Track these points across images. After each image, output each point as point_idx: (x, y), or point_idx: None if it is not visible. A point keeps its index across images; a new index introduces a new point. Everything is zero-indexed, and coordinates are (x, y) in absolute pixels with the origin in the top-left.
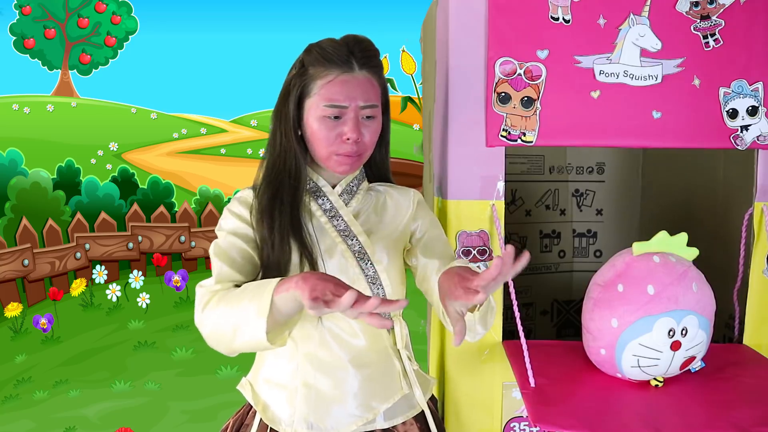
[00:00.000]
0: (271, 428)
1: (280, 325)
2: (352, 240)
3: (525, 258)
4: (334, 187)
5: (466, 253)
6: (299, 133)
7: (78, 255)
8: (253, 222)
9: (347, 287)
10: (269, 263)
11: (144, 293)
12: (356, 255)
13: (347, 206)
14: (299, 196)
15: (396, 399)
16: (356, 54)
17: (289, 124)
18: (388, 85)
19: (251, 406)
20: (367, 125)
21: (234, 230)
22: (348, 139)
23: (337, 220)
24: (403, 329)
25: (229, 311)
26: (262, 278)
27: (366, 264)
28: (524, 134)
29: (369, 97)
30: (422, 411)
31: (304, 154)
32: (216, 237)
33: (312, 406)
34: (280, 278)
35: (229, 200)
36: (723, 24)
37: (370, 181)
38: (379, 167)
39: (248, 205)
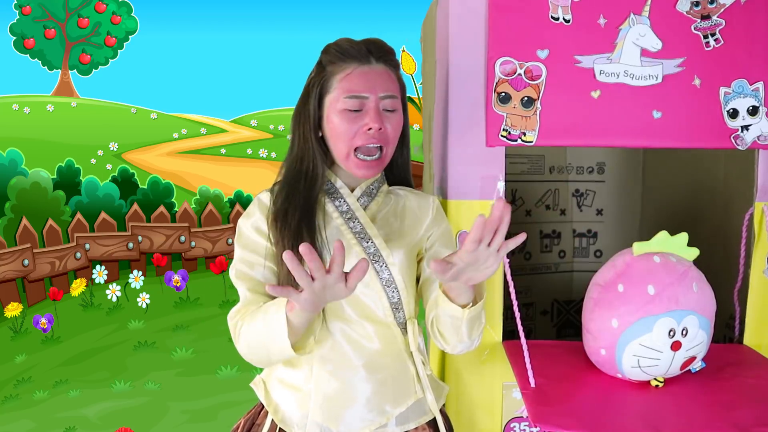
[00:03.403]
0: (281, 429)
1: (302, 335)
2: (368, 242)
3: (507, 210)
4: (353, 189)
5: None
6: (319, 134)
7: (78, 255)
8: (268, 226)
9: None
10: (282, 264)
11: (144, 293)
12: (371, 257)
13: (365, 209)
14: (314, 198)
15: (409, 403)
16: (373, 50)
17: (309, 125)
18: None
19: (263, 406)
20: (389, 117)
21: (252, 247)
22: (370, 129)
23: (353, 222)
24: (416, 331)
25: (255, 340)
26: (278, 280)
27: (381, 267)
28: (524, 134)
29: (389, 87)
30: (434, 417)
31: (324, 156)
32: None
33: (325, 410)
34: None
35: (229, 200)
36: (723, 24)
37: (390, 184)
38: (400, 169)
39: (265, 209)
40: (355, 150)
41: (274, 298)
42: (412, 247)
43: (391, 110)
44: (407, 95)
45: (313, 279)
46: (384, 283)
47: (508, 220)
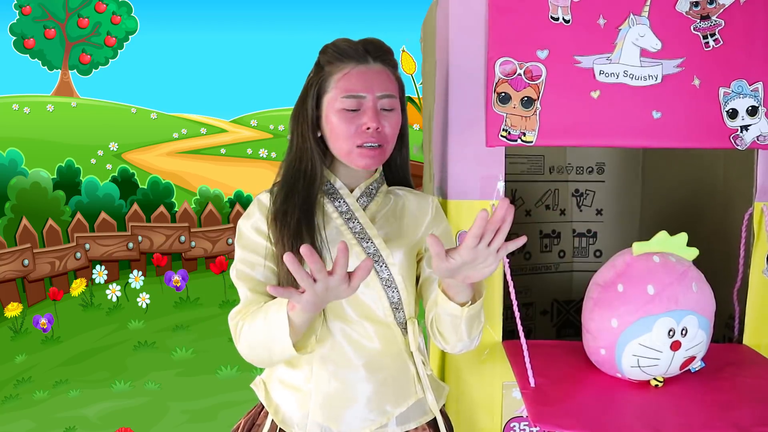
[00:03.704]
0: (281, 430)
1: (303, 335)
2: (368, 243)
3: (510, 210)
4: (352, 190)
5: None
6: (318, 134)
7: (78, 255)
8: (268, 226)
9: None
10: (282, 265)
11: (144, 293)
12: (371, 257)
13: (365, 209)
14: (313, 196)
15: (409, 403)
16: (371, 50)
17: (307, 125)
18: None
19: (263, 406)
20: (387, 116)
21: (253, 248)
22: (368, 128)
23: (353, 223)
24: (416, 331)
25: (256, 340)
26: (278, 280)
27: (381, 267)
28: (524, 134)
29: (386, 86)
30: (434, 417)
31: (322, 155)
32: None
33: (325, 410)
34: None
35: (229, 200)
36: (723, 24)
37: (389, 184)
38: (399, 169)
39: (265, 210)
40: (357, 146)
41: (275, 298)
42: (412, 247)
43: (389, 109)
44: (407, 95)
45: (314, 280)
46: (384, 283)
47: (510, 221)
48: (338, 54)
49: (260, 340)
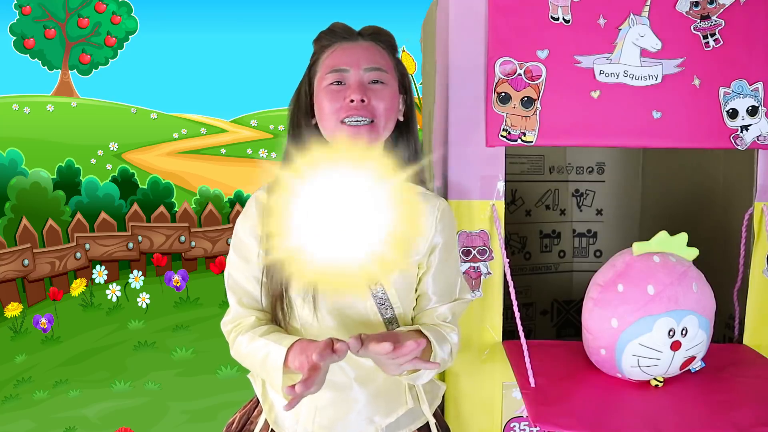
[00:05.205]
0: (272, 431)
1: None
2: None
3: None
4: None
5: (466, 253)
6: (313, 121)
7: (78, 255)
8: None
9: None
10: (272, 263)
11: (144, 293)
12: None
13: None
14: None
15: (399, 413)
16: (363, 31)
17: (301, 111)
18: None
19: (258, 403)
20: (375, 90)
21: (246, 254)
22: (352, 101)
23: None
24: None
25: (250, 364)
26: (266, 281)
27: (374, 285)
28: (524, 134)
29: (374, 60)
30: (427, 422)
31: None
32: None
33: (316, 421)
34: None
35: (229, 200)
36: (723, 24)
37: None
38: (410, 164)
39: (260, 206)
40: (342, 122)
41: (263, 309)
42: (411, 264)
43: (377, 82)
44: None
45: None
46: (378, 301)
47: (417, 354)
48: (329, 35)
49: (255, 367)
